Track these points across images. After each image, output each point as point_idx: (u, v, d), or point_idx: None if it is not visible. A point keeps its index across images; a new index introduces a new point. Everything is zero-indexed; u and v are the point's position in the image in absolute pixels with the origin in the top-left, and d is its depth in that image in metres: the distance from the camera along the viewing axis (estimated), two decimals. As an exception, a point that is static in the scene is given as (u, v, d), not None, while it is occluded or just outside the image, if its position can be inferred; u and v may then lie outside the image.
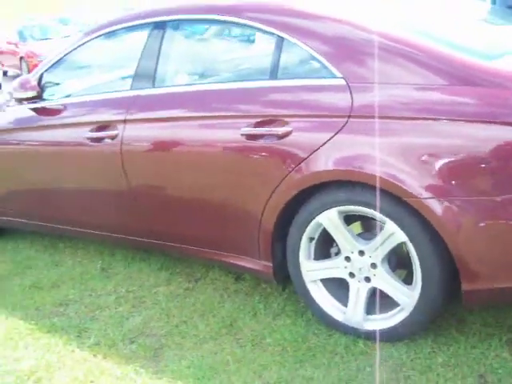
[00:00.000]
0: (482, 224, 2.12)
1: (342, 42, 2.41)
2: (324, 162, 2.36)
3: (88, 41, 3.26)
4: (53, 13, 20.19)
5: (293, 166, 2.43)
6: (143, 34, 2.99)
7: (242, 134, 2.55)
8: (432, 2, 3.09)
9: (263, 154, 2.52)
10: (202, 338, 2.67)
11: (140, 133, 2.91)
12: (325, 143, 2.34)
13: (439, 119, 2.14)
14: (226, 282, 3.15)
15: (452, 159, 2.13)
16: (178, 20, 2.91)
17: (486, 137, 2.06)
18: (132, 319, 2.90)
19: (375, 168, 2.23)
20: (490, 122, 2.05)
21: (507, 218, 2.09)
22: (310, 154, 2.38)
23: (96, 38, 3.23)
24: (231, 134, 2.59)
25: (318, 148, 2.36)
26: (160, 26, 2.93)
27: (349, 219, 2.46)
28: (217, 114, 2.67)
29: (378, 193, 2.24)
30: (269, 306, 2.87)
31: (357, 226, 2.53)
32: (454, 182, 2.13)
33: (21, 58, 13.93)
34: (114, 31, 3.18)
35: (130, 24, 3.09)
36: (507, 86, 2.06)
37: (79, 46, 3.29)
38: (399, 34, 2.34)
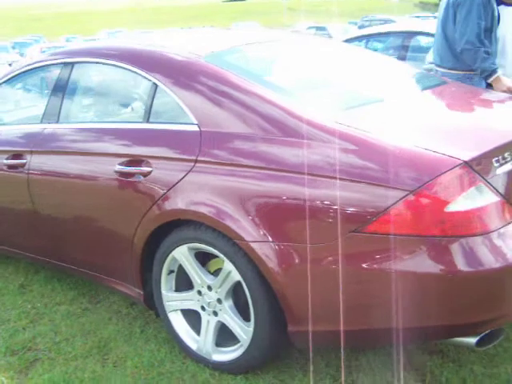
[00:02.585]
0: (300, 269, 2.30)
1: (202, 90, 2.63)
2: (173, 202, 2.58)
3: (9, 78, 3.59)
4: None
5: (151, 203, 2.66)
6: (56, 72, 3.28)
7: (115, 171, 2.79)
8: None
9: (132, 189, 2.76)
10: (73, 356, 2.89)
11: (41, 163, 3.18)
12: (175, 184, 2.57)
13: (270, 169, 2.33)
14: (121, 305, 3.37)
15: (276, 207, 2.32)
16: (81, 62, 3.20)
17: (302, 190, 2.23)
18: (24, 333, 3.14)
19: (210, 210, 2.43)
20: (310, 175, 2.23)
21: (323, 264, 2.25)
22: (164, 194, 2.61)
23: (14, 76, 3.57)
24: (108, 170, 2.83)
25: (170, 188, 2.59)
26: (67, 65, 3.23)
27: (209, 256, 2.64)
28: (97, 151, 2.92)
29: (206, 233, 2.44)
30: (146, 331, 3.08)
31: (215, 263, 2.72)
32: (277, 228, 2.32)
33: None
34: (37, 68, 3.49)
35: (48, 63, 3.39)
36: (340, 146, 2.23)
37: (7, 79, 3.61)
38: (251, 86, 2.54)
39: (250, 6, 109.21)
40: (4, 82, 3.64)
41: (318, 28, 25.49)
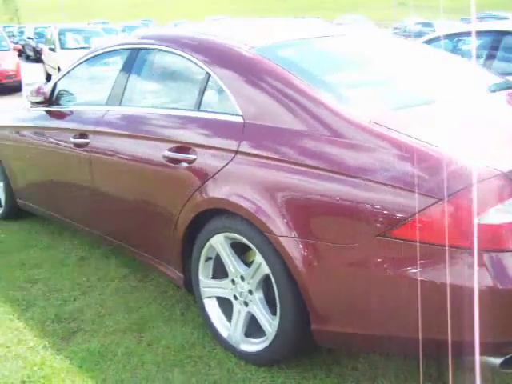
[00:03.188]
0: (325, 268, 2.28)
1: (249, 82, 2.65)
2: (211, 191, 2.63)
3: (87, 59, 3.76)
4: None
5: (193, 191, 2.71)
6: (124, 57, 3.41)
7: (164, 156, 2.87)
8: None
9: (177, 175, 2.82)
10: (113, 330, 3.01)
11: (101, 143, 3.32)
12: (215, 174, 2.61)
13: (304, 165, 2.31)
14: (168, 287, 3.46)
15: (306, 204, 2.30)
16: (145, 48, 3.31)
17: (339, 190, 2.20)
18: (73, 303, 3.31)
19: (244, 201, 2.46)
20: (349, 176, 2.19)
21: (347, 265, 2.22)
22: (204, 182, 2.65)
23: (92, 57, 3.73)
24: (157, 154, 2.91)
25: (210, 177, 2.63)
26: (133, 52, 3.34)
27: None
28: (149, 135, 3.02)
29: (241, 223, 2.47)
30: (185, 314, 3.15)
31: (252, 254, 2.73)
32: (305, 224, 2.31)
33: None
34: (105, 53, 3.64)
35: (118, 48, 3.53)
36: (374, 147, 2.18)
37: (81, 62, 3.79)
38: (297, 81, 2.52)
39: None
40: (81, 64, 3.83)
41: (425, 24, 24.76)
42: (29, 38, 27.77)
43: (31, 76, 16.85)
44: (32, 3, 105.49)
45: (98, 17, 57.66)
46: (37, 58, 22.99)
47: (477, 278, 1.98)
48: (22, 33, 32.96)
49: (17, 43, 27.36)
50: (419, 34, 19.01)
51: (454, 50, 6.39)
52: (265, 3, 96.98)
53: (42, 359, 2.76)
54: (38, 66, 19.82)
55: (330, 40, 3.22)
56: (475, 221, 1.96)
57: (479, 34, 5.79)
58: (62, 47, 15.53)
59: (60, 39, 15.80)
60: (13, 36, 32.51)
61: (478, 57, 5.57)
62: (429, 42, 6.09)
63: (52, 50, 15.80)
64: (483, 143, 2.24)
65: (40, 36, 24.83)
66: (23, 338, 2.95)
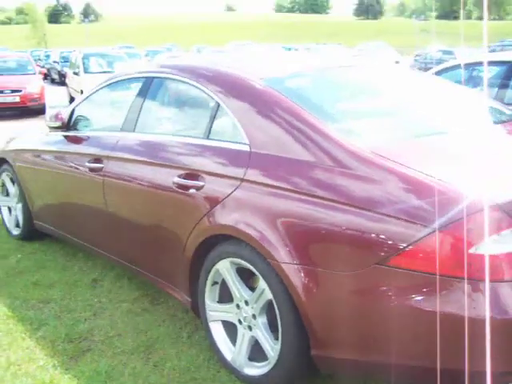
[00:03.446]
0: (325, 294, 2.34)
1: (256, 113, 2.74)
2: (217, 217, 2.71)
3: (104, 86, 3.89)
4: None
5: (200, 217, 2.79)
6: (139, 85, 3.54)
7: (174, 182, 2.96)
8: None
9: (186, 201, 2.91)
10: (121, 351, 3.08)
11: (114, 168, 3.43)
12: (221, 200, 2.69)
13: (306, 194, 2.38)
14: (177, 309, 3.53)
15: (307, 231, 2.37)
16: (159, 77, 3.43)
17: (339, 219, 2.27)
18: (84, 324, 3.39)
19: (248, 227, 2.53)
20: (348, 205, 2.26)
21: (346, 293, 2.28)
22: (211, 209, 2.74)
23: (109, 84, 3.86)
24: (168, 180, 3.01)
25: (217, 204, 2.71)
26: (147, 80, 3.47)
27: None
28: (160, 162, 3.12)
29: (246, 249, 2.53)
30: (192, 336, 3.21)
31: (257, 279, 2.79)
32: (306, 252, 2.37)
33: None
34: (121, 80, 3.78)
35: (134, 76, 3.67)
36: (373, 178, 2.25)
37: (99, 89, 3.92)
38: (302, 113, 2.61)
39: (383, 25, 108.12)
40: (98, 90, 3.96)
41: (445, 52, 24.85)
42: (54, 62, 28.39)
43: (55, 99, 17.24)
44: (59, 28, 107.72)
45: (125, 41, 58.74)
46: (61, 81, 23.49)
47: (473, 308, 2.03)
48: (48, 57, 33.69)
49: (43, 67, 28.06)
50: (440, 61, 19.13)
51: (470, 78, 6.44)
52: (290, 29, 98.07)
53: (50, 378, 2.84)
54: (62, 89, 20.26)
55: (337, 71, 3.31)
56: (472, 250, 2.01)
57: (493, 63, 5.84)
58: (86, 71, 15.89)
59: (84, 63, 16.18)
60: (39, 60, 33.29)
61: (492, 86, 5.61)
62: (444, 71, 6.16)
63: (76, 73, 16.18)
64: (482, 175, 2.29)
65: (65, 60, 25.37)
66: (34, 357, 3.03)
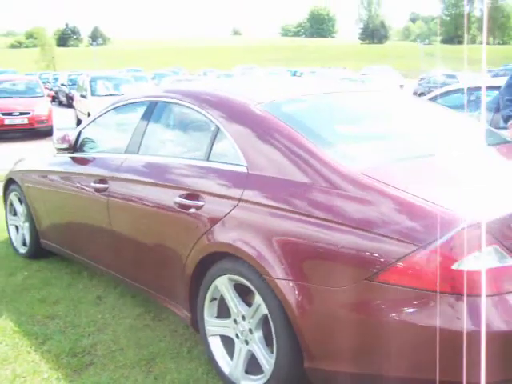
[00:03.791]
0: (316, 309, 2.46)
1: (253, 136, 2.89)
2: (216, 235, 2.84)
3: (110, 109, 4.06)
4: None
5: (200, 235, 2.93)
6: (143, 109, 3.70)
7: (175, 202, 3.09)
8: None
9: (187, 220, 3.04)
10: (123, 364, 3.19)
11: (118, 189, 3.58)
12: (220, 219, 2.82)
13: (299, 213, 2.51)
14: (178, 325, 3.64)
15: (300, 249, 2.50)
16: (162, 101, 3.60)
17: (330, 237, 2.39)
18: (88, 339, 3.50)
19: (245, 245, 2.66)
20: (338, 224, 2.39)
21: (336, 307, 2.40)
22: (210, 228, 2.87)
23: (115, 108, 4.03)
24: (169, 200, 3.15)
25: (216, 223, 2.84)
26: (151, 104, 3.63)
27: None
28: (163, 182, 3.26)
29: (243, 266, 2.66)
30: (192, 351, 3.32)
31: (254, 295, 2.90)
32: (299, 268, 2.50)
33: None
34: (125, 104, 3.94)
35: (138, 100, 3.83)
36: (361, 198, 2.38)
37: (105, 112, 4.09)
38: (297, 137, 2.75)
39: (388, 50, 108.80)
40: (104, 114, 4.13)
41: (449, 76, 25.13)
42: (62, 85, 28.80)
43: (63, 121, 17.49)
44: (68, 51, 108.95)
45: (132, 64, 59.39)
46: (69, 103, 23.80)
47: (457, 322, 2.14)
48: (56, 79, 34.15)
49: (51, 89, 28.40)
50: (444, 85, 19.36)
51: (468, 102, 6.59)
52: (296, 53, 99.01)
53: (54, 390, 2.95)
54: (70, 111, 20.53)
55: (332, 96, 3.46)
56: (455, 266, 2.13)
57: (489, 88, 5.99)
58: (93, 94, 16.15)
59: (91, 86, 16.46)
60: (48, 82, 33.72)
61: (489, 110, 5.75)
62: (444, 95, 6.30)
63: (83, 96, 16.44)
64: (466, 194, 2.41)
65: (73, 82, 25.77)
66: (38, 370, 3.15)
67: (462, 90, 6.31)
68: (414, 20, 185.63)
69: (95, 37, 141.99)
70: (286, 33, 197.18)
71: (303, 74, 35.01)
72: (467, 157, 2.96)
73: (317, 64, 61.05)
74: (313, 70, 33.24)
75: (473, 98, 6.54)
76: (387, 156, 2.83)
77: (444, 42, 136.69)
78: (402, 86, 30.29)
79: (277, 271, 2.53)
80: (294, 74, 38.66)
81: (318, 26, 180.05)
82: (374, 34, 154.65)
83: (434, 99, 6.10)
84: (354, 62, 73.28)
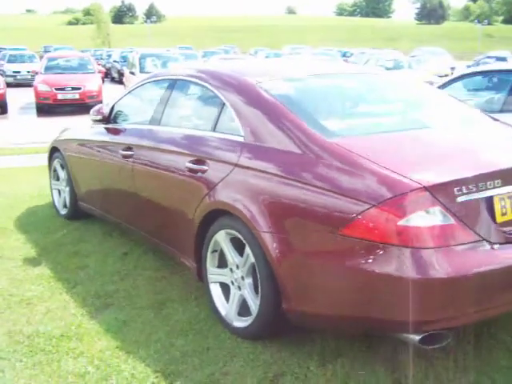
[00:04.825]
0: (290, 256, 2.92)
1: (250, 111, 3.34)
2: (216, 195, 3.31)
3: (140, 85, 4.59)
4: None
5: (203, 195, 3.40)
6: (165, 85, 4.20)
7: (186, 166, 3.58)
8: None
9: (195, 182, 3.52)
10: (138, 306, 3.72)
11: (141, 155, 4.09)
12: (219, 182, 3.29)
13: (280, 176, 2.97)
14: (190, 278, 4.12)
15: (280, 206, 2.96)
16: (180, 79, 4.08)
17: (304, 196, 2.83)
18: (111, 285, 4.05)
19: (237, 203, 3.12)
20: (310, 185, 2.83)
21: (307, 255, 2.85)
22: (212, 189, 3.34)
23: (144, 84, 4.55)
24: (181, 165, 3.64)
25: (216, 185, 3.31)
26: (172, 81, 4.12)
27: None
28: (177, 150, 3.76)
29: (236, 221, 3.13)
30: (199, 298, 3.81)
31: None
32: (279, 222, 2.95)
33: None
34: (152, 81, 4.44)
35: (162, 77, 4.34)
36: (331, 163, 2.81)
37: (136, 87, 4.62)
38: (286, 113, 3.18)
39: (445, 30, 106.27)
40: (135, 89, 4.67)
41: (498, 58, 24.78)
42: (115, 62, 29.67)
43: (112, 96, 18.18)
44: (123, 28, 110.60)
45: (185, 42, 60.14)
46: (120, 79, 24.58)
47: (401, 269, 2.55)
48: (109, 56, 35.12)
49: (104, 66, 29.30)
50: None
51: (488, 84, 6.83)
52: (350, 33, 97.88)
53: (79, 322, 3.50)
54: (121, 87, 21.29)
55: (327, 77, 3.87)
56: (399, 223, 2.54)
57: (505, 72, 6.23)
58: (141, 71, 16.73)
59: (140, 63, 17.05)
60: (101, 59, 34.73)
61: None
62: (459, 78, 6.55)
63: (132, 73, 17.07)
64: (421, 163, 2.81)
65: (125, 59, 26.53)
66: (67, 306, 3.71)
67: (475, 74, 6.55)
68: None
69: (150, 14, 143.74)
70: (341, 12, 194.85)
71: (353, 54, 34.95)
72: (437, 131, 3.34)
73: (370, 45, 60.42)
74: (362, 51, 33.15)
75: (491, 81, 6.76)
76: (363, 130, 3.24)
77: (506, 22, 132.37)
78: (453, 68, 29.84)
79: (262, 225, 2.98)
80: (344, 55, 38.66)
81: (374, 5, 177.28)
82: (430, 14, 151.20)
83: (447, 84, 6.36)
84: (408, 42, 72.16)
